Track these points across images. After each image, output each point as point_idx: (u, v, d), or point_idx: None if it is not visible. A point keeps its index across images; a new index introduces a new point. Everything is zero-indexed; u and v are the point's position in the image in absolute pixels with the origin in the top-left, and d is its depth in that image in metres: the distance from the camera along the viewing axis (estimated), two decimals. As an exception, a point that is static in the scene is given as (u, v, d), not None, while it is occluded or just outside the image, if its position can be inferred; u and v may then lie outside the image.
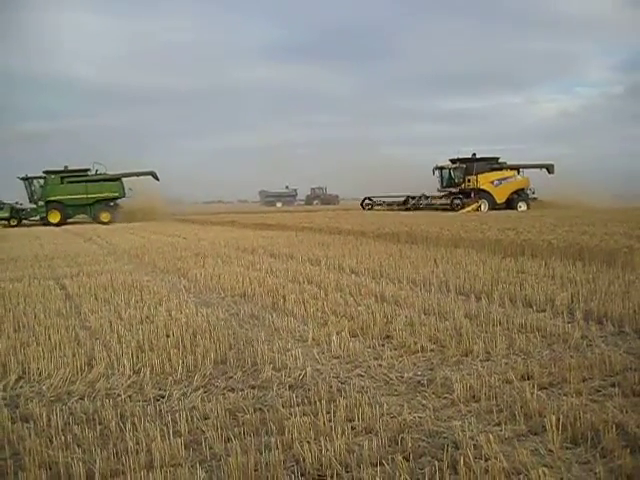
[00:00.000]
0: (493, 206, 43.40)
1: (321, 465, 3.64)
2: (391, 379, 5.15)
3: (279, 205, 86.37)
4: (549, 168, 46.72)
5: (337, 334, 6.50)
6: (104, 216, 42.91)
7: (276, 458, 3.66)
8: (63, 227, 38.47)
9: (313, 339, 6.49)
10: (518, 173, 46.37)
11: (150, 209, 43.43)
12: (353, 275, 11.02)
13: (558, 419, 3.95)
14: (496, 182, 44.83)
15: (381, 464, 3.57)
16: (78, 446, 3.98)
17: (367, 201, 50.62)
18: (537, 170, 47.24)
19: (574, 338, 6.10)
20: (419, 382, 5.05)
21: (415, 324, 6.78)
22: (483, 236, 15.52)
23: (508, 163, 46.96)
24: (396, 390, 4.90)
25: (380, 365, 5.54)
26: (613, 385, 4.80)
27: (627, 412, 4.17)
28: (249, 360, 5.76)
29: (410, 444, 3.81)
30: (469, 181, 44.75)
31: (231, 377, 5.38)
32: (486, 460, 3.54)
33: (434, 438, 3.94)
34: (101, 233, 27.91)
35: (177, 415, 4.40)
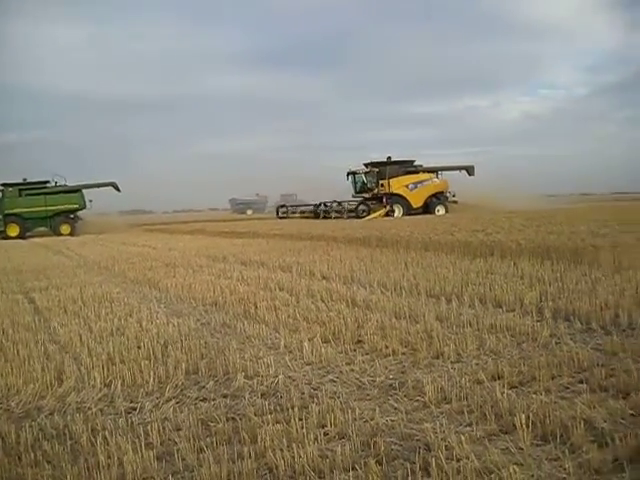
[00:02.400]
0: (409, 211, 41.73)
1: (294, 472, 3.64)
2: (363, 383, 5.16)
3: (250, 212, 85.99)
4: (469, 170, 45.26)
5: (309, 340, 6.52)
6: (64, 229, 42.28)
7: (249, 467, 3.66)
8: (31, 240, 38.01)
9: (285, 346, 6.50)
10: (437, 176, 44.75)
11: (108, 221, 43.07)
12: (324, 281, 11.04)
13: (528, 417, 4.00)
14: (411, 186, 42.96)
15: (354, 469, 3.59)
16: (48, 462, 3.94)
17: (282, 209, 48.44)
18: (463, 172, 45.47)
19: (543, 336, 6.18)
20: (391, 385, 5.07)
21: (386, 328, 6.81)
22: (453, 238, 15.63)
23: (424, 166, 45.17)
24: (368, 394, 4.92)
25: (352, 370, 5.55)
26: (581, 381, 4.87)
27: (595, 407, 4.24)
28: (221, 369, 5.75)
29: (383, 448, 3.83)
30: (382, 186, 42.69)
31: (203, 387, 5.36)
32: (458, 460, 3.57)
33: (406, 441, 3.97)
34: (70, 245, 27.65)
35: (149, 427, 4.38)
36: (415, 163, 45.27)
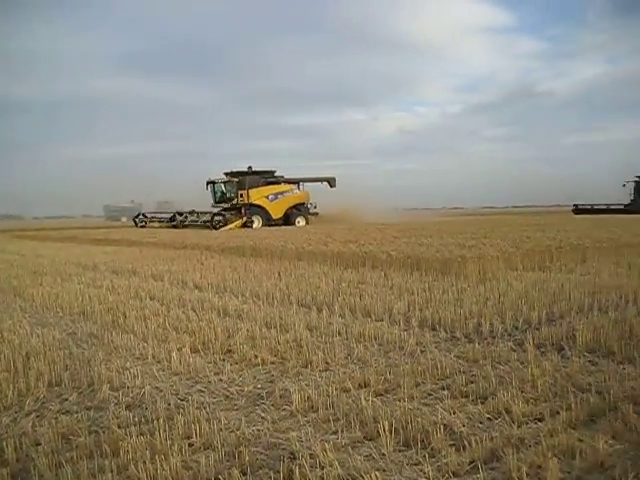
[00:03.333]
0: (268, 222, 41.15)
1: (156, 485, 3.55)
2: (231, 393, 5.12)
3: (124, 220, 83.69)
4: (330, 182, 45.54)
5: (178, 350, 6.42)
6: None
7: (109, 481, 3.53)
8: None
9: (153, 356, 6.36)
10: (298, 187, 44.80)
11: None
12: (196, 290, 10.91)
13: (391, 424, 4.09)
14: (271, 197, 42.65)
15: (217, 479, 3.54)
16: None
17: (141, 217, 46.99)
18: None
19: (409, 345, 6.34)
20: (259, 395, 5.05)
21: (256, 337, 6.79)
22: (326, 249, 15.81)
23: (286, 177, 44.98)
24: (236, 404, 4.87)
25: (221, 380, 5.50)
26: (443, 388, 5.02)
27: (455, 413, 4.38)
28: (85, 381, 5.55)
29: (248, 458, 3.80)
30: (242, 196, 41.80)
31: (66, 399, 5.14)
32: (322, 468, 3.59)
33: (272, 450, 3.95)
34: None
35: (4, 443, 4.15)
36: (277, 174, 44.96)
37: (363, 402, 4.57)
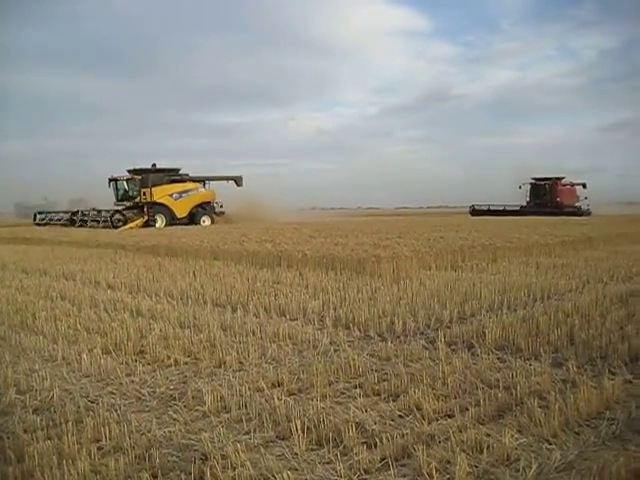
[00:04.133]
0: (172, 221, 39.65)
1: (62, 491, 3.45)
2: (143, 395, 5.03)
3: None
4: (237, 180, 44.13)
5: (89, 351, 6.27)
6: None
7: (12, 488, 3.41)
8: None
9: (63, 358, 6.19)
10: (204, 186, 43.34)
11: None
12: (109, 290, 10.67)
13: (304, 423, 4.10)
14: (175, 195, 40.96)
15: (127, 483, 3.48)
16: None
17: (40, 215, 43.90)
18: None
19: (323, 344, 6.37)
20: (171, 396, 4.98)
21: (170, 338, 6.69)
22: (242, 248, 15.74)
23: (191, 175, 43.27)
24: (147, 406, 4.79)
25: (132, 381, 5.40)
26: (356, 387, 5.07)
27: (367, 411, 4.43)
28: (-11, 385, 5.34)
29: (159, 460, 3.74)
30: (145, 194, 39.75)
31: (-33, 405, 4.94)
32: (234, 469, 3.56)
33: (183, 452, 3.90)
34: None
35: None
36: (182, 171, 43.22)
37: (276, 401, 4.57)
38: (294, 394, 4.93)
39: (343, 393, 4.93)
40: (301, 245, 15.81)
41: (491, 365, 5.52)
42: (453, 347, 6.25)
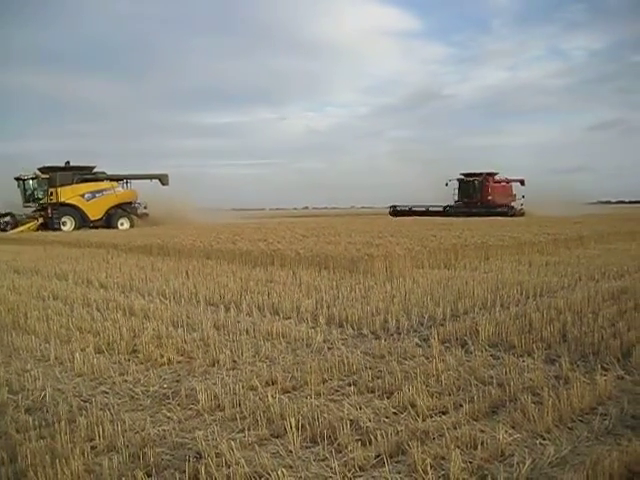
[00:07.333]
0: (84, 223, 37.40)
1: (56, 490, 3.43)
2: (136, 394, 5.01)
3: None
4: (162, 179, 41.70)
5: (81, 351, 6.25)
6: None
7: (5, 489, 3.40)
8: None
9: (55, 357, 6.17)
10: (124, 185, 40.92)
11: None
12: (102, 289, 10.65)
13: (298, 421, 4.09)
14: (88, 195, 38.25)
15: (121, 482, 3.46)
16: None
17: None
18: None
19: (317, 342, 6.37)
20: (165, 395, 4.96)
21: (163, 337, 6.68)
22: (235, 247, 15.74)
23: (109, 173, 40.92)
24: (141, 405, 4.78)
25: (125, 380, 5.38)
26: (350, 384, 5.07)
27: (361, 408, 4.43)
28: (-19, 386, 5.31)
29: (153, 458, 3.72)
30: (52, 194, 37.13)
31: (-41, 405, 4.91)
32: (228, 467, 3.55)
33: (177, 450, 3.89)
34: None
35: None
36: (97, 169, 40.83)
37: (270, 400, 4.56)
38: (288, 392, 4.92)
39: (337, 391, 4.92)
40: (294, 244, 15.86)
41: (484, 362, 5.53)
42: (447, 344, 6.26)
